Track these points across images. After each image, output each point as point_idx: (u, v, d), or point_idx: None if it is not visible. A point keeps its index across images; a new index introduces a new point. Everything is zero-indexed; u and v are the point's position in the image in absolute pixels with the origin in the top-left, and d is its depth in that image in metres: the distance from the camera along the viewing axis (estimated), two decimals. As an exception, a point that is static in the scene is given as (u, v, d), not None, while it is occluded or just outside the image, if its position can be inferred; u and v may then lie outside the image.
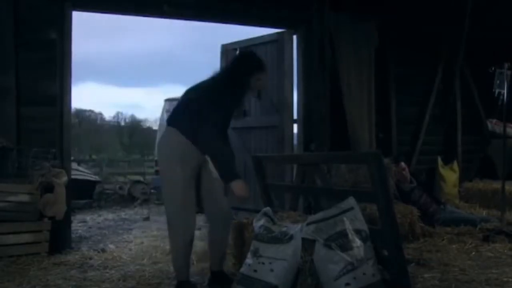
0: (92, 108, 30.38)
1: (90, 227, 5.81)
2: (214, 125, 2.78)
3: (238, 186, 2.74)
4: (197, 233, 5.04)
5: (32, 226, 3.88)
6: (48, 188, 3.94)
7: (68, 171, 4.29)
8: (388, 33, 5.60)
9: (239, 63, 3.02)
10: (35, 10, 4.23)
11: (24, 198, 3.89)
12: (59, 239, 4.08)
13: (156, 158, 8.51)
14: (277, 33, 5.39)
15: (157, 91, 51.68)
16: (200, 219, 6.30)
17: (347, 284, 2.44)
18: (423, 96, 6.06)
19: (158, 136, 8.32)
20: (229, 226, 3.11)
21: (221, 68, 3.22)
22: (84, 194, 7.66)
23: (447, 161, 6.00)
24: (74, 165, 7.28)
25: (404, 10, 5.58)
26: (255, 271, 2.59)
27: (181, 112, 2.92)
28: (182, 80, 45.65)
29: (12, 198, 3.85)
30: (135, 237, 4.94)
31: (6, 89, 4.13)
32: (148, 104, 52.37)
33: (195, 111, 2.79)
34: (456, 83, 6.14)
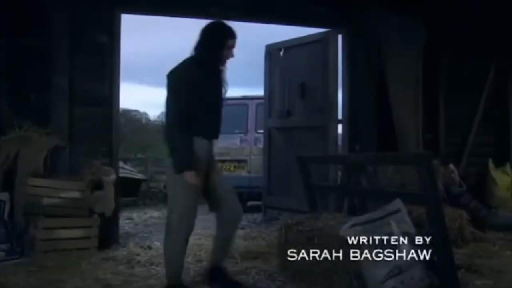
0: (137, 108, 31.05)
1: (136, 224, 5.96)
2: (177, 113, 2.76)
3: (189, 175, 2.74)
4: (240, 232, 5.15)
5: (82, 222, 4.03)
6: (98, 185, 4.09)
7: (116, 169, 4.42)
8: (436, 31, 5.43)
9: (211, 35, 2.85)
10: (87, 14, 4.38)
11: (75, 194, 4.04)
12: (108, 235, 4.21)
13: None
14: (322, 32, 5.35)
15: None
16: (244, 219, 6.35)
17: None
18: (473, 95, 5.84)
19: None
20: (237, 226, 3.16)
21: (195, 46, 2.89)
22: (130, 192, 7.83)
23: (499, 164, 5.76)
24: (120, 164, 7.46)
25: (453, 7, 5.40)
26: None
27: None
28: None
29: (64, 195, 4.01)
30: (180, 235, 5.00)
31: (61, 91, 4.30)
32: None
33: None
34: (509, 81, 5.89)
